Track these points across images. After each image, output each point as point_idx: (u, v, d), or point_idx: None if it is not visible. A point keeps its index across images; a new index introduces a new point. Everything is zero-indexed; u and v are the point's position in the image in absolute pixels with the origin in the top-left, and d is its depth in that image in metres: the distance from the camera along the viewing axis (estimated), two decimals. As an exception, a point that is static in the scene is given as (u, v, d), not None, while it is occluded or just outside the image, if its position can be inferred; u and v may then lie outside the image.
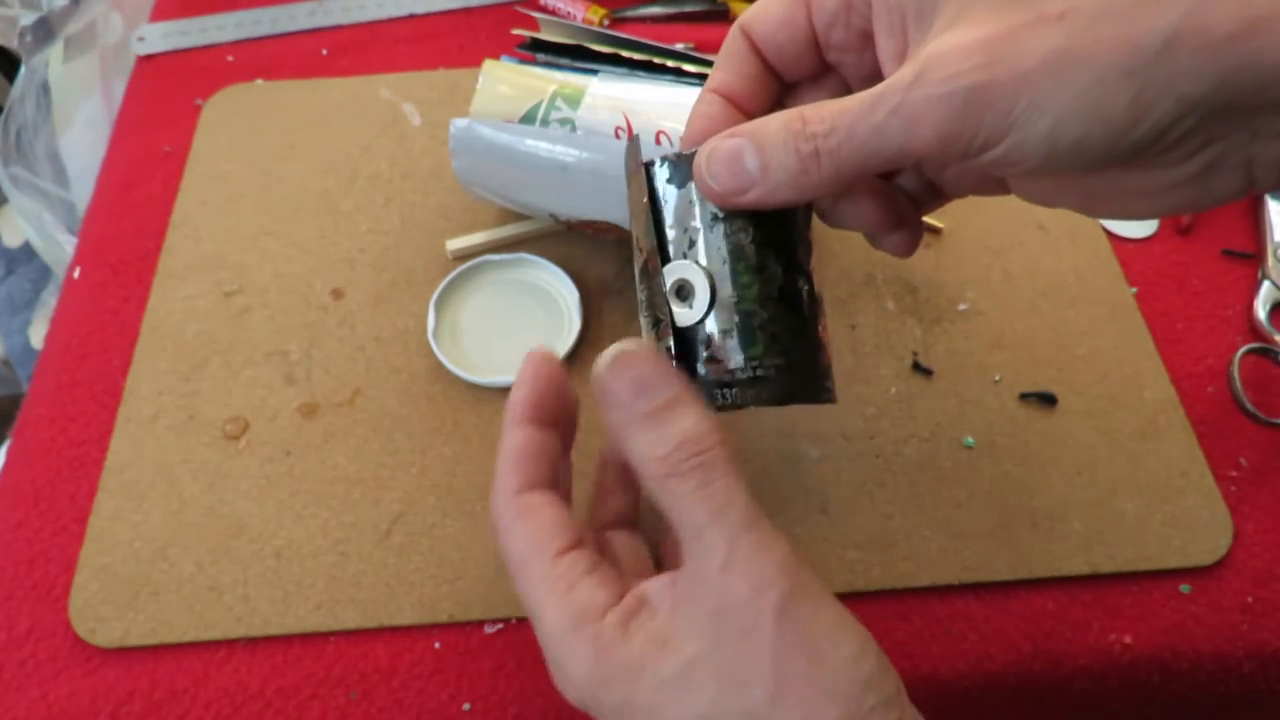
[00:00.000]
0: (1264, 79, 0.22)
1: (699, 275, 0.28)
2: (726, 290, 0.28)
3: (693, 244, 0.29)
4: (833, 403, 0.30)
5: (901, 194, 0.33)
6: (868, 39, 0.29)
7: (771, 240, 0.29)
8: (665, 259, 0.29)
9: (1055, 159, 0.24)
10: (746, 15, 0.30)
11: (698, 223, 0.29)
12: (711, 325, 0.29)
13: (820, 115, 0.26)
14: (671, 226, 0.29)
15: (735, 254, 0.28)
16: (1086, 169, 0.24)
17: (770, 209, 0.28)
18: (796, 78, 0.31)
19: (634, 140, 0.30)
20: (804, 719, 0.25)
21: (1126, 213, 0.28)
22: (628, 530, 0.35)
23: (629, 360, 0.27)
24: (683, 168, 0.29)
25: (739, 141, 0.27)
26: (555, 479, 0.30)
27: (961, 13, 0.24)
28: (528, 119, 0.45)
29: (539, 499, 0.29)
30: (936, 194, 0.33)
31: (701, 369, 0.29)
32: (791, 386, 0.29)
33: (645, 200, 0.29)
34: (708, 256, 0.29)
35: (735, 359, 0.28)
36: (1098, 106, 0.23)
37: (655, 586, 0.28)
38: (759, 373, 0.28)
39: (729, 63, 0.31)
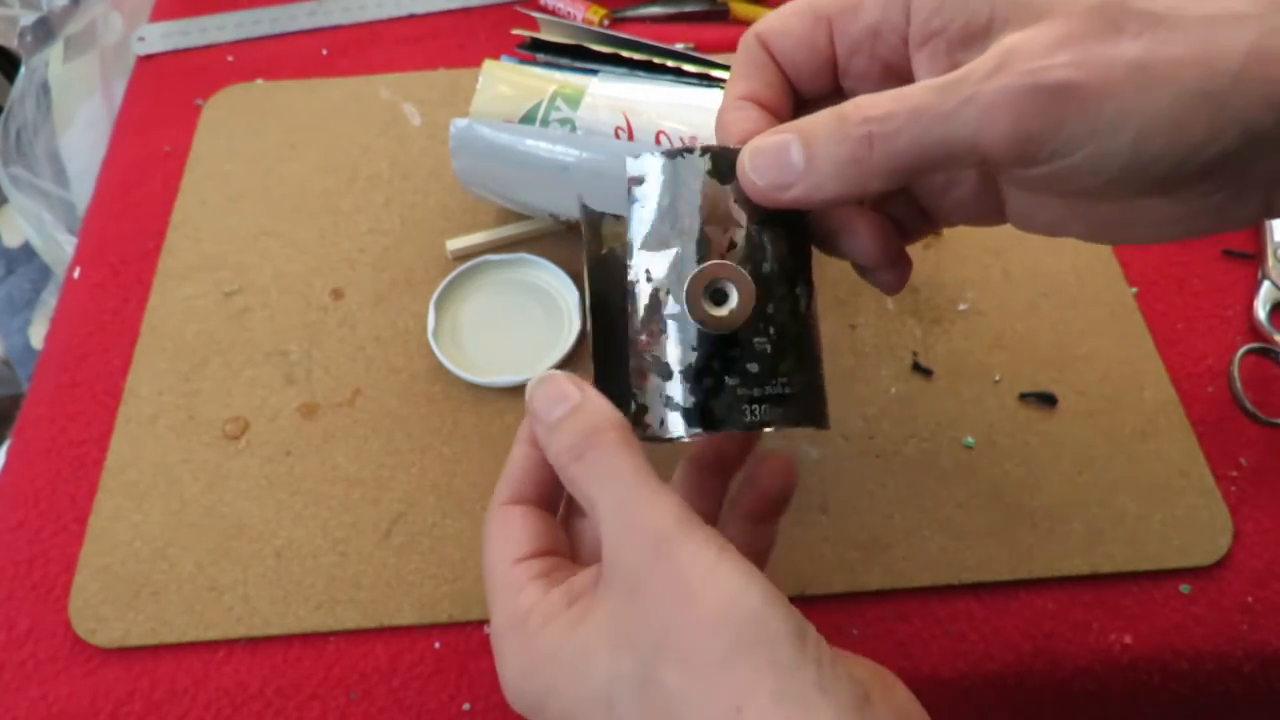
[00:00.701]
0: None
1: (739, 278, 0.27)
2: (767, 300, 0.27)
3: (733, 245, 0.27)
4: (827, 429, 0.29)
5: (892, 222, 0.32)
6: (889, 72, 0.28)
7: (801, 257, 0.28)
8: (703, 256, 0.27)
9: (1129, 173, 0.23)
10: (764, 26, 0.29)
11: (741, 224, 0.27)
12: (746, 336, 0.27)
13: (876, 101, 0.25)
14: (709, 222, 0.27)
15: (776, 263, 0.28)
16: (1140, 190, 0.24)
17: (818, 205, 0.27)
18: (806, 96, 0.31)
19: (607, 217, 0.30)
20: (686, 667, 0.23)
21: (1135, 239, 0.28)
22: None
23: (546, 381, 0.29)
24: (728, 159, 0.27)
25: (786, 136, 0.26)
26: (547, 496, 0.31)
27: (1033, 21, 0.24)
28: (528, 119, 0.45)
29: (516, 510, 0.30)
30: (926, 221, 0.32)
31: (731, 380, 0.27)
32: (807, 408, 0.28)
33: (672, 191, 0.28)
34: (750, 262, 0.27)
35: (768, 373, 0.27)
36: (1180, 124, 0.22)
37: (583, 577, 0.28)
38: (786, 390, 0.27)
39: (754, 72, 0.30)
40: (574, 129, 0.44)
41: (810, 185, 0.26)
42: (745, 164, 0.27)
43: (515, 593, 0.28)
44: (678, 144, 0.42)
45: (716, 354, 0.27)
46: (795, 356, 0.28)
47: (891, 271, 0.31)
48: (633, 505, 0.26)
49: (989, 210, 0.31)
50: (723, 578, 0.24)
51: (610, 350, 0.31)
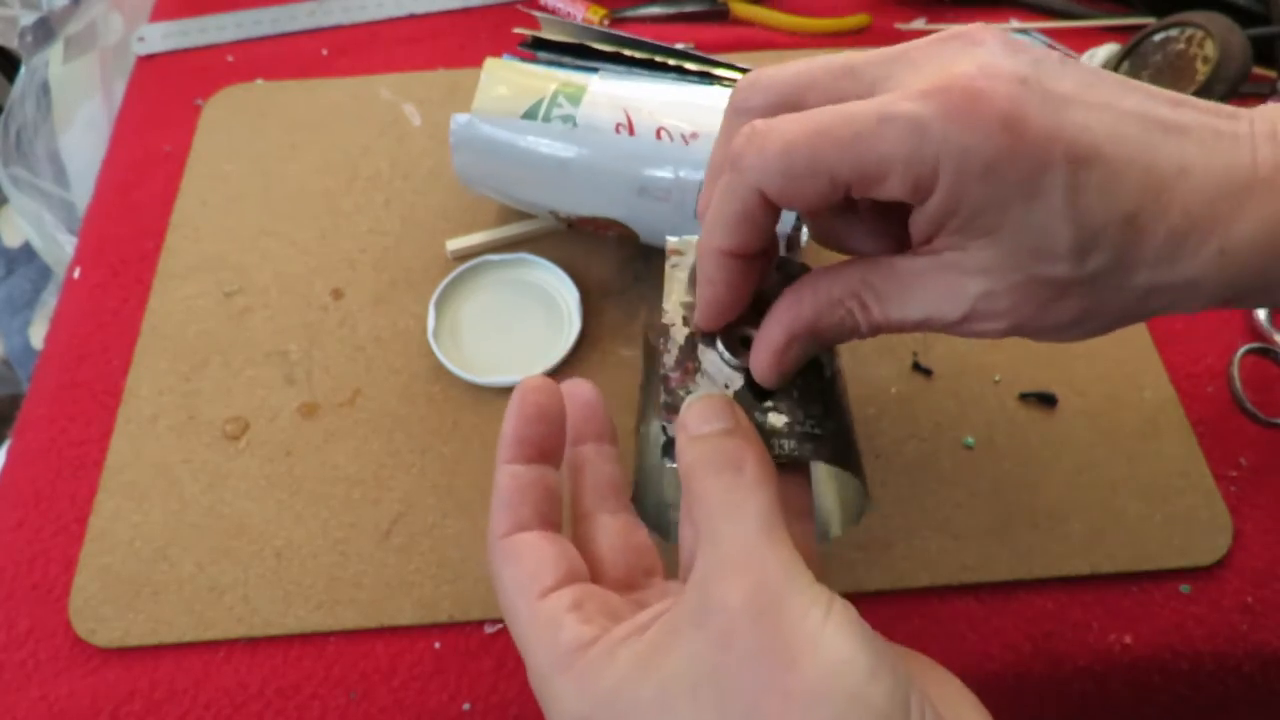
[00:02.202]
0: None
1: None
2: None
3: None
4: (867, 494, 0.31)
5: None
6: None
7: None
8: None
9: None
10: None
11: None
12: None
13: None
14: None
15: None
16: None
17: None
18: None
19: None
20: None
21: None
22: (616, 511, 0.32)
23: (705, 400, 0.28)
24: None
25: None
26: (548, 516, 0.30)
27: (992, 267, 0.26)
28: (529, 116, 0.45)
29: (523, 540, 0.28)
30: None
31: (759, 416, 0.29)
32: (837, 450, 0.30)
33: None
34: None
35: (796, 414, 0.29)
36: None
37: (654, 609, 0.26)
38: (816, 430, 0.29)
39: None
40: (575, 126, 0.44)
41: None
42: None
43: (554, 630, 0.26)
44: (678, 140, 0.43)
45: (746, 390, 0.29)
46: (822, 405, 0.30)
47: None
48: (756, 548, 0.24)
49: None
50: (827, 644, 0.23)
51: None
